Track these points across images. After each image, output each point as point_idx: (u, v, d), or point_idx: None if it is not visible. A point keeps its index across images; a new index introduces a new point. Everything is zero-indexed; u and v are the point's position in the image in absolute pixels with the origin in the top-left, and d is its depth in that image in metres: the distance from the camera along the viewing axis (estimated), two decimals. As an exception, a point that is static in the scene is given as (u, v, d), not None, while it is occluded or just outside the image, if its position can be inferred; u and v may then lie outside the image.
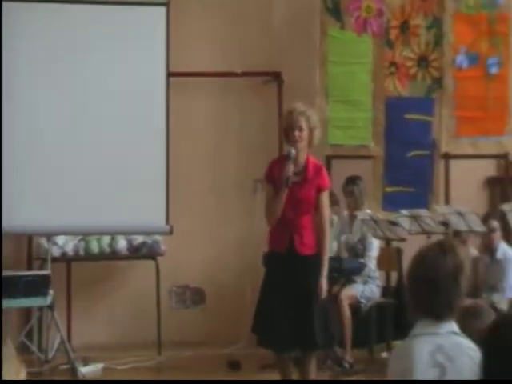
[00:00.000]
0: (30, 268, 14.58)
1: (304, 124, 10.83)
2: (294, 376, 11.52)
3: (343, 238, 13.88)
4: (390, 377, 6.29)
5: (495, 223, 13.27)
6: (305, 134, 10.80)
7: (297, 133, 10.76)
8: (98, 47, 14.14)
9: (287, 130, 10.97)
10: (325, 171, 11.25)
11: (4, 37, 14.10)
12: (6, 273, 13.52)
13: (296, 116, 10.88)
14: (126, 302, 15.31)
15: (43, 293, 13.37)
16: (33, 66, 14.32)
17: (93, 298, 15.31)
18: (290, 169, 10.62)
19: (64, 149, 13.99)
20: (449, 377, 5.68)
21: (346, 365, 13.17)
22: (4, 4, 14.43)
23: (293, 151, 10.73)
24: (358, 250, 13.91)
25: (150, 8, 14.30)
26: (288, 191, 10.70)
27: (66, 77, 14.21)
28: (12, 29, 14.19)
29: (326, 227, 11.09)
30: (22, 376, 5.46)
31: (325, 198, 11.09)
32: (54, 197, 13.75)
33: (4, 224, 13.54)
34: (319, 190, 10.93)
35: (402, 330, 8.59)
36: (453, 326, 5.60)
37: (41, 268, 14.36)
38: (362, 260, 13.96)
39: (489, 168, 15.30)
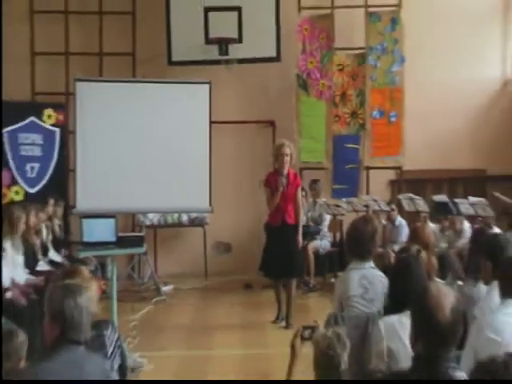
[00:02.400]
0: (133, 231, 14.96)
1: (288, 151, 11.48)
2: (283, 294, 11.75)
3: (309, 214, 14.35)
4: (336, 293, 6.91)
5: (394, 206, 13.82)
6: (289, 157, 11.45)
7: (285, 157, 11.44)
8: (166, 111, 13.98)
9: (278, 155, 11.55)
10: (298, 176, 11.96)
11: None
12: (120, 234, 14.15)
13: (285, 147, 11.52)
14: (188, 251, 15.66)
15: (141, 245, 14.02)
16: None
17: (169, 249, 15.73)
18: (283, 181, 11.32)
19: (143, 168, 13.84)
20: (370, 294, 6.39)
21: (311, 285, 13.66)
22: (103, 84, 14.60)
23: (285, 172, 11.42)
24: (317, 221, 14.51)
25: (199, 86, 14.15)
26: (283, 188, 11.35)
27: (139, 130, 13.84)
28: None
29: (300, 207, 11.74)
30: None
31: (298, 191, 11.75)
32: (144, 193, 13.64)
33: (116, 207, 13.60)
34: (296, 187, 11.61)
35: (342, 265, 8.87)
36: (371, 263, 6.59)
37: (139, 231, 14.73)
38: (320, 226, 14.56)
39: (391, 175, 15.77)
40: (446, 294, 3.91)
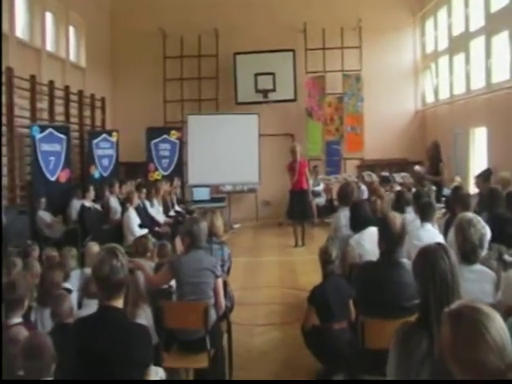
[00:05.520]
0: (216, 194, 14.50)
1: (298, 149, 11.39)
2: (298, 230, 11.60)
3: (312, 185, 13.30)
4: (332, 225, 6.55)
5: (359, 178, 13.53)
6: (299, 153, 11.39)
7: (297, 153, 11.36)
8: (235, 129, 14.08)
9: (293, 151, 11.42)
10: (306, 161, 11.77)
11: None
12: (212, 195, 14.13)
13: (296, 147, 11.47)
14: (247, 205, 15.11)
15: (223, 201, 13.98)
16: (207, 137, 14.01)
17: (237, 204, 15.08)
18: (298, 165, 11.29)
19: (224, 160, 13.93)
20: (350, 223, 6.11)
21: (315, 223, 12.76)
22: (201, 116, 14.93)
23: (298, 159, 11.33)
24: (318, 189, 14.04)
25: (253, 115, 14.26)
26: (297, 170, 11.27)
27: (221, 139, 13.96)
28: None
29: (308, 178, 11.61)
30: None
31: (306, 170, 11.56)
32: (224, 174, 13.87)
33: (209, 181, 14.03)
34: (305, 167, 11.41)
35: (332, 212, 8.39)
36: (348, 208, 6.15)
37: (221, 194, 14.61)
38: (319, 190, 14.20)
39: (357, 162, 15.25)
40: (396, 216, 3.99)
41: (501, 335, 1.77)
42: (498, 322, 1.80)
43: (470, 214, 3.87)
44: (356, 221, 5.56)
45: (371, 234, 5.12)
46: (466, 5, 12.20)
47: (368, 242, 5.12)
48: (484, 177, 9.02)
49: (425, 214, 5.39)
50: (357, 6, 14.91)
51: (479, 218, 3.74)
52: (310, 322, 4.71)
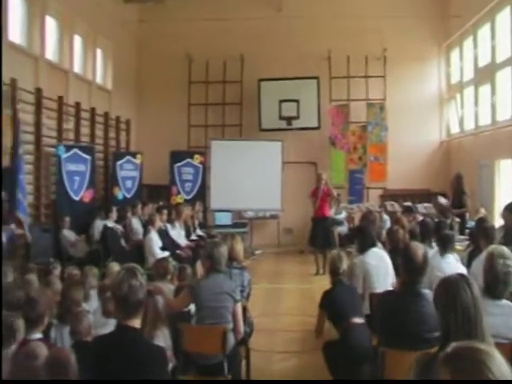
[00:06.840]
0: (238, 219, 14.44)
1: (324, 177, 11.43)
2: (320, 258, 11.49)
3: (335, 213, 13.37)
4: (355, 252, 6.34)
5: (382, 208, 13.37)
6: (324, 181, 11.40)
7: (323, 180, 11.43)
8: (258, 155, 14.09)
9: (319, 178, 11.50)
10: (329, 189, 11.60)
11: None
12: (234, 221, 13.97)
13: (322, 175, 11.51)
14: (269, 232, 15.04)
15: (245, 227, 13.83)
16: (230, 162, 14.04)
17: (259, 231, 15.11)
18: (321, 192, 11.33)
19: (246, 186, 13.86)
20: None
21: (336, 250, 13.37)
22: (224, 141, 14.90)
23: (322, 187, 11.36)
24: (340, 217, 13.72)
25: (276, 142, 14.23)
26: (320, 197, 11.31)
27: (243, 165, 14.01)
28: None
29: (330, 206, 11.74)
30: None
31: (329, 198, 11.63)
32: (246, 200, 13.81)
33: (231, 207, 13.86)
34: (327, 195, 11.43)
35: (353, 241, 8.87)
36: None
37: (243, 220, 14.58)
38: (342, 220, 13.90)
39: (380, 191, 15.14)
40: (418, 247, 3.93)
41: (501, 371, 1.69)
42: (498, 359, 1.72)
43: (503, 248, 3.78)
44: (362, 243, 5.75)
45: (375, 253, 5.60)
46: (492, 36, 12.18)
47: (372, 258, 5.51)
48: (510, 209, 8.85)
49: (445, 246, 5.40)
50: (382, 35, 14.90)
51: (511, 254, 3.65)
52: (321, 325, 4.97)
